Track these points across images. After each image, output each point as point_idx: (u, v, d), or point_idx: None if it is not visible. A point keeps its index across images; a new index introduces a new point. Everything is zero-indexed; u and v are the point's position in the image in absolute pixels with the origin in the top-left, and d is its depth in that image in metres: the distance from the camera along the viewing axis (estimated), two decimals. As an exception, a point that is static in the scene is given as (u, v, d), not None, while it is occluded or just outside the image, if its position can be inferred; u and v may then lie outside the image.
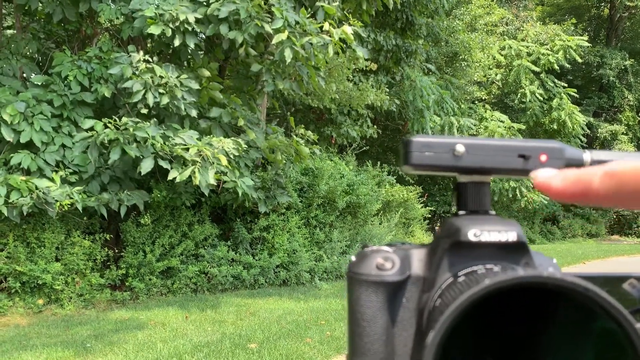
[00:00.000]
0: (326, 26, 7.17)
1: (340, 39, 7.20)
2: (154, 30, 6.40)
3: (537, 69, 19.69)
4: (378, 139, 15.19)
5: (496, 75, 20.44)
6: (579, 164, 0.50)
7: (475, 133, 17.89)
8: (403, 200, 12.48)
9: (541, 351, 0.45)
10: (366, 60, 10.41)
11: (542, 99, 19.72)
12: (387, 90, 12.45)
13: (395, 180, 13.39)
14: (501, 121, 18.37)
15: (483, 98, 20.58)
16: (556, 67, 19.89)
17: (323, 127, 12.27)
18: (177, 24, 6.48)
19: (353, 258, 0.51)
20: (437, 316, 0.39)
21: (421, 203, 14.61)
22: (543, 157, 0.49)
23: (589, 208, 24.94)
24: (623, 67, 26.02)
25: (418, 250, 0.51)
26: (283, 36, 6.70)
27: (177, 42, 6.54)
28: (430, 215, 15.52)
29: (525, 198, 18.42)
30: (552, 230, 22.87)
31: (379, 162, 12.92)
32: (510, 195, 18.22)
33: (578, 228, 23.77)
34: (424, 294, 0.48)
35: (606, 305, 0.36)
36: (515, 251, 0.46)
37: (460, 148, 0.48)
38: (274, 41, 6.82)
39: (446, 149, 0.49)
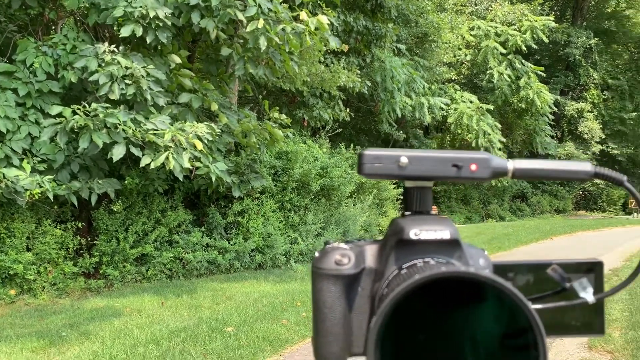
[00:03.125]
0: (302, 15, 7.17)
1: (315, 27, 7.24)
2: (125, 32, 6.34)
3: (504, 51, 19.96)
4: (351, 121, 15.26)
5: (465, 55, 20.64)
6: (504, 171, 0.59)
7: (445, 114, 18.10)
8: (376, 182, 12.61)
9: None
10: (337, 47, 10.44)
11: (510, 79, 20.03)
12: (359, 71, 12.48)
13: (368, 162, 13.49)
14: (470, 102, 18.61)
15: (453, 79, 20.79)
16: (524, 48, 20.18)
17: (295, 110, 12.26)
18: (147, 20, 6.39)
19: (317, 254, 0.60)
20: (382, 303, 0.46)
21: (394, 184, 14.77)
22: (473, 167, 0.58)
23: (557, 184, 25.58)
24: (588, 46, 26.54)
25: (371, 246, 0.60)
26: (259, 24, 6.67)
27: (149, 39, 6.48)
28: (402, 197, 15.74)
29: (495, 177, 18.77)
30: (521, 207, 23.44)
31: (352, 144, 12.99)
32: (481, 174, 18.55)
33: (546, 204, 24.41)
34: (375, 284, 0.57)
35: (508, 292, 0.45)
36: (449, 246, 0.54)
37: (404, 160, 0.57)
38: (247, 29, 6.79)
39: (392, 160, 0.57)
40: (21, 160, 6.17)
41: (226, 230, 8.47)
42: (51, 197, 6.01)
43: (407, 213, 0.61)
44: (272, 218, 8.67)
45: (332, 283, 0.57)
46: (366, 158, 0.57)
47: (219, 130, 6.88)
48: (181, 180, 6.81)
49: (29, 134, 6.32)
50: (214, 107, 7.31)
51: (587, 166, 0.62)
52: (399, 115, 15.18)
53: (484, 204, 21.67)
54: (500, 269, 0.66)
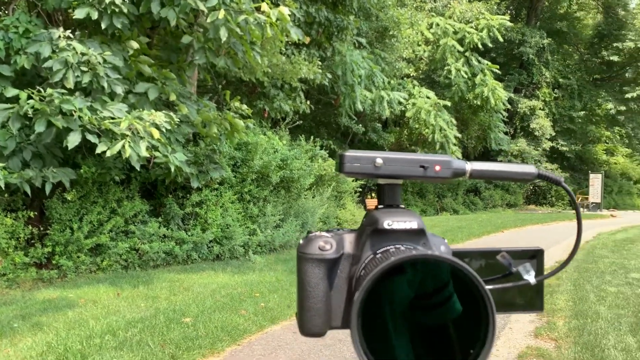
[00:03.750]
0: (264, 6, 7.16)
1: (276, 19, 7.24)
2: (79, 14, 6.17)
3: (461, 49, 20.38)
4: (311, 113, 15.28)
5: (424, 52, 20.97)
6: (462, 172, 0.69)
7: (404, 108, 18.37)
8: (335, 174, 12.71)
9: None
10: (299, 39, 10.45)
11: (466, 75, 20.48)
12: (320, 63, 12.52)
13: (327, 155, 13.60)
14: (428, 97, 18.95)
15: (411, 74, 21.09)
16: (480, 45, 20.66)
17: (255, 101, 12.21)
18: (103, 5, 6.24)
19: (301, 241, 0.70)
20: (361, 282, 0.56)
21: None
22: (437, 167, 0.67)
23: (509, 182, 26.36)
24: (541, 46, 27.41)
25: (349, 235, 0.70)
26: (220, 15, 6.62)
27: (104, 25, 6.33)
28: (360, 189, 15.95)
29: (450, 171, 19.20)
30: (475, 201, 24.09)
31: (312, 137, 13.05)
32: (437, 169, 18.92)
33: (498, 199, 25.17)
34: (353, 267, 0.67)
35: (467, 273, 0.54)
36: (416, 235, 0.65)
37: (379, 161, 0.66)
38: (208, 19, 6.73)
39: (369, 161, 0.66)
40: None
41: (184, 221, 8.39)
42: (2, 186, 5.82)
43: (380, 206, 0.70)
44: (230, 209, 8.65)
45: (316, 266, 0.66)
46: (347, 159, 0.66)
47: (178, 120, 6.80)
48: (138, 169, 6.71)
49: (-22, 119, 6.08)
50: (173, 97, 7.22)
51: (531, 168, 0.72)
52: (360, 109, 15.32)
53: (439, 197, 22.17)
54: (458, 254, 0.76)
